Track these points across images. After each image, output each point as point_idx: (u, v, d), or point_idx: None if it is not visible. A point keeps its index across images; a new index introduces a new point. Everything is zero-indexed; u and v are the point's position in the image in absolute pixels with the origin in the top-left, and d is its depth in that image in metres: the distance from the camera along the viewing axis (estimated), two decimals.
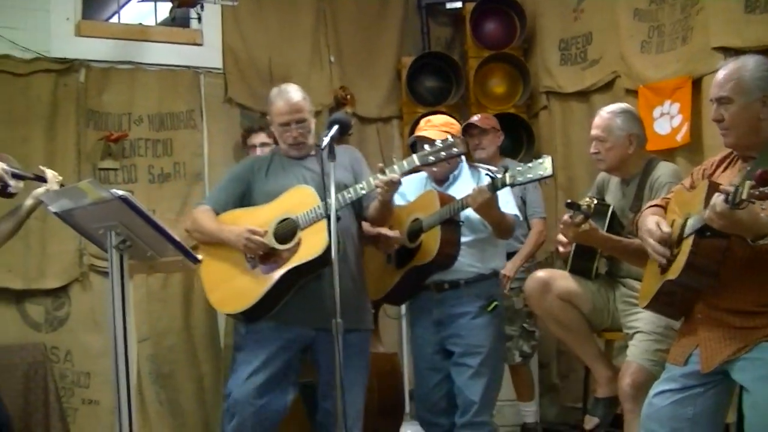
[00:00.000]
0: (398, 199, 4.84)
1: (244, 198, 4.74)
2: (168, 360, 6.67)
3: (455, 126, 5.16)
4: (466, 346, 4.98)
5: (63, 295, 6.40)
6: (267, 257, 4.49)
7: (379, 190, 4.39)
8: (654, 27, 6.42)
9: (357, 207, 4.70)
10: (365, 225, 4.85)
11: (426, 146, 4.47)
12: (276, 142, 6.13)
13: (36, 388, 5.78)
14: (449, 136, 4.39)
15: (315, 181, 4.41)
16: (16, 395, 5.67)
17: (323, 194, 4.35)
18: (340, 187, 4.50)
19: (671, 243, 3.66)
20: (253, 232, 4.48)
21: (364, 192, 4.47)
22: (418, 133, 5.08)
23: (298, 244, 4.44)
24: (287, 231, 4.49)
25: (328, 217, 4.21)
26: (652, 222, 3.76)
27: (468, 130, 5.74)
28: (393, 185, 4.40)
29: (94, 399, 6.40)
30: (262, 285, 4.47)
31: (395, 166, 4.43)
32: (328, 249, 4.10)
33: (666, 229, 3.70)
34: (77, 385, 6.38)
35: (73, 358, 6.38)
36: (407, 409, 6.49)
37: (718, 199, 3.18)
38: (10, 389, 5.62)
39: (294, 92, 4.72)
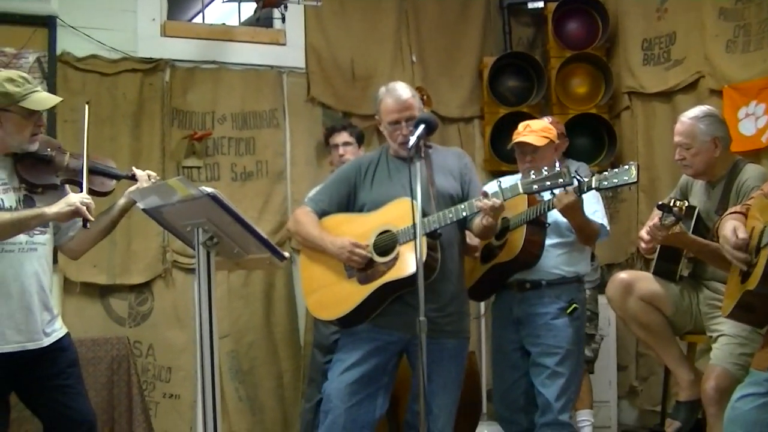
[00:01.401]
0: None
1: (349, 199, 4.67)
2: (248, 356, 6.75)
3: (553, 131, 5.13)
4: (543, 346, 4.98)
5: (146, 290, 6.51)
6: (365, 267, 4.44)
7: (482, 214, 4.31)
8: (740, 26, 6.33)
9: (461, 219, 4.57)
10: None
11: (532, 174, 4.35)
12: (359, 142, 6.21)
13: (120, 381, 5.85)
14: (557, 165, 4.32)
15: (422, 189, 4.10)
16: (100, 387, 5.76)
17: (426, 204, 4.27)
18: (444, 197, 4.49)
19: (750, 249, 3.61)
20: (356, 245, 4.43)
21: (465, 214, 4.37)
22: (518, 138, 5.06)
23: (396, 258, 4.40)
24: (387, 243, 4.44)
25: (427, 235, 4.22)
26: (728, 228, 3.72)
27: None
28: (496, 211, 4.29)
29: (174, 393, 6.52)
30: (358, 295, 4.44)
31: (499, 192, 4.32)
32: (425, 267, 4.01)
33: (742, 235, 3.66)
34: (159, 379, 6.49)
35: (155, 353, 6.50)
36: (484, 409, 6.48)
37: None
38: (96, 381, 5.71)
39: (403, 89, 4.59)
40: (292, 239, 6.51)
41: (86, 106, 4.40)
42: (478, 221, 4.40)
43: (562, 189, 4.41)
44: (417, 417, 4.37)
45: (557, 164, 5.13)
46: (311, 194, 4.93)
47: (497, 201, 4.26)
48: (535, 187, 4.33)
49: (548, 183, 4.30)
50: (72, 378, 4.29)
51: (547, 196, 4.69)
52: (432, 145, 4.72)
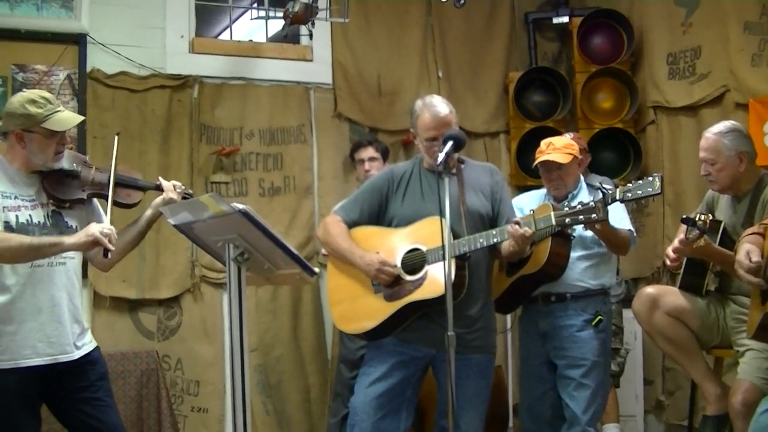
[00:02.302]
0: (517, 213, 4.83)
1: (380, 210, 4.64)
2: (276, 370, 6.78)
3: (575, 147, 5.15)
4: (569, 359, 5.00)
5: (175, 305, 6.56)
6: (392, 284, 4.44)
7: (511, 241, 4.31)
8: (765, 40, 6.33)
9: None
10: None
11: (565, 207, 4.37)
12: (384, 157, 6.23)
13: (149, 395, 5.90)
14: (592, 201, 4.30)
15: (453, 208, 4.11)
16: (130, 401, 5.81)
17: (457, 223, 4.26)
18: (474, 215, 4.48)
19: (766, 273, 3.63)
20: (385, 263, 4.41)
21: (496, 241, 4.35)
22: (543, 157, 5.07)
23: (423, 278, 4.39)
24: (415, 262, 4.43)
25: (457, 257, 4.21)
26: (742, 252, 3.73)
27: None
28: (526, 240, 4.30)
29: (202, 407, 6.56)
30: (383, 312, 4.45)
31: (531, 221, 4.33)
32: (453, 286, 3.97)
33: (755, 258, 3.68)
34: (187, 392, 6.53)
35: (183, 367, 6.54)
36: (511, 423, 6.49)
37: None
38: (125, 395, 5.78)
39: (441, 105, 4.51)
40: (319, 254, 6.54)
41: (116, 138, 4.44)
42: (506, 244, 4.40)
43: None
44: None
45: (582, 180, 5.17)
46: (342, 203, 4.88)
47: (528, 230, 4.26)
48: (568, 220, 4.31)
49: (581, 217, 4.28)
50: (102, 391, 4.32)
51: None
52: (465, 159, 4.70)
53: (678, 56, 7.03)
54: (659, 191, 4.35)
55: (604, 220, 4.36)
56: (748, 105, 6.32)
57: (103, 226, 4.07)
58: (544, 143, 5.17)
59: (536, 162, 5.12)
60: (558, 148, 5.07)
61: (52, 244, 4.04)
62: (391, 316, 4.44)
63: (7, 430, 4.07)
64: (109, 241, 4.03)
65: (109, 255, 4.13)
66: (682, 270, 4.93)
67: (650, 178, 4.34)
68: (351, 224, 4.65)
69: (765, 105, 6.20)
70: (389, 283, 4.46)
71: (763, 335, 3.83)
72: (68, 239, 4.05)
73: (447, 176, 3.97)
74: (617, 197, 4.45)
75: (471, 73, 7.58)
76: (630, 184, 4.42)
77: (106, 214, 4.24)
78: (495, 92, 7.63)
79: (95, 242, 4.03)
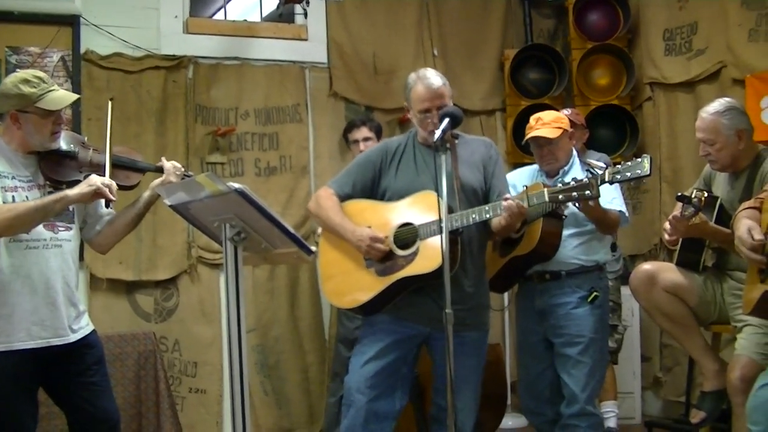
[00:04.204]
0: (511, 190, 4.78)
1: (373, 183, 4.60)
2: (274, 351, 6.79)
3: (565, 120, 5.11)
4: (566, 337, 4.98)
5: (172, 286, 6.57)
6: (384, 259, 4.41)
7: (504, 215, 4.24)
8: (763, 15, 6.32)
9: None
10: None
11: (558, 184, 4.29)
12: (378, 136, 6.20)
13: (147, 377, 5.91)
14: (585, 178, 4.25)
15: (447, 183, 4.02)
16: (128, 383, 5.83)
17: (451, 198, 4.17)
18: (468, 190, 4.45)
19: (766, 249, 3.62)
20: (375, 239, 4.38)
21: (489, 216, 4.30)
22: (533, 133, 5.04)
23: (415, 253, 4.36)
24: (407, 237, 4.40)
25: (449, 233, 4.09)
26: (743, 229, 3.72)
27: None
28: (518, 217, 4.26)
29: (201, 388, 6.58)
30: (375, 287, 4.43)
31: (525, 197, 4.26)
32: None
33: (758, 236, 3.67)
34: (185, 374, 6.54)
35: (181, 348, 6.55)
36: (509, 400, 6.49)
37: None
38: (123, 377, 5.79)
39: (434, 77, 4.48)
40: (316, 233, 6.54)
41: (110, 103, 4.43)
42: (497, 220, 4.35)
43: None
44: (441, 411, 4.40)
45: (575, 156, 5.15)
46: (335, 177, 4.80)
47: (522, 205, 4.22)
48: (561, 197, 4.24)
49: (575, 194, 4.21)
50: (98, 375, 4.32)
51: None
52: (459, 134, 4.65)
53: (675, 32, 7.01)
54: (648, 173, 4.27)
55: (598, 197, 4.32)
56: (745, 81, 6.30)
57: (104, 178, 4.09)
58: (533, 118, 5.14)
59: (526, 138, 5.11)
60: (547, 122, 5.04)
61: (57, 200, 4.04)
62: (382, 292, 4.42)
63: (4, 414, 4.07)
64: (110, 192, 4.06)
65: (111, 206, 4.18)
66: (679, 246, 4.92)
67: (639, 160, 4.27)
68: (344, 197, 4.61)
69: (762, 80, 6.19)
70: (381, 258, 4.44)
71: (761, 312, 3.82)
72: (71, 191, 4.05)
73: (443, 153, 3.95)
74: (606, 179, 4.37)
75: (467, 51, 7.56)
76: (619, 166, 4.35)
77: None
78: (491, 70, 7.62)
79: (97, 192, 4.05)
